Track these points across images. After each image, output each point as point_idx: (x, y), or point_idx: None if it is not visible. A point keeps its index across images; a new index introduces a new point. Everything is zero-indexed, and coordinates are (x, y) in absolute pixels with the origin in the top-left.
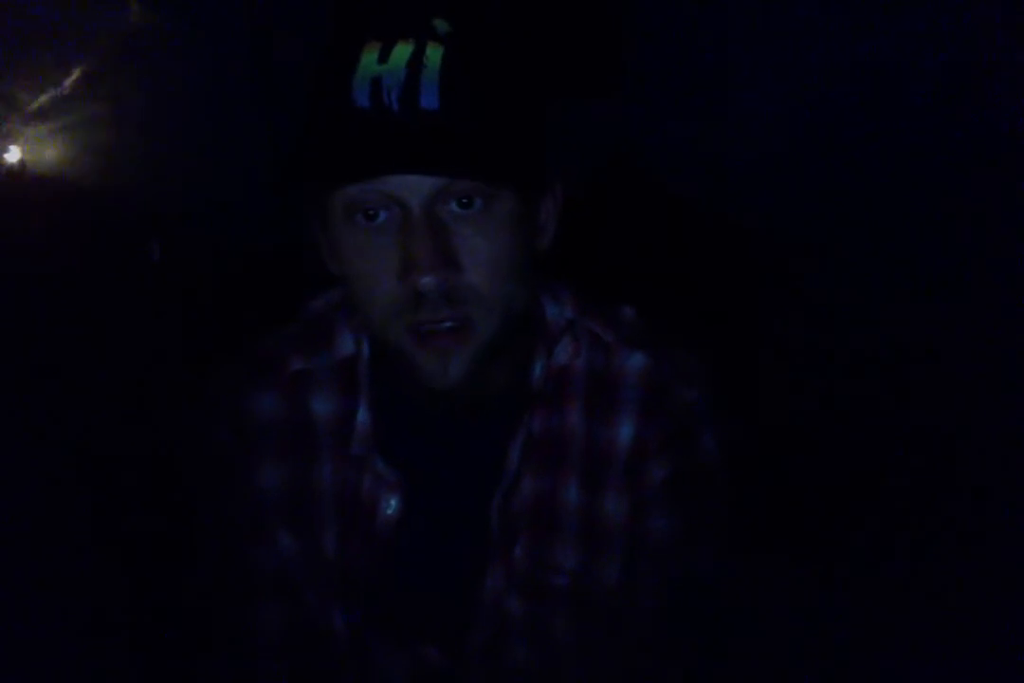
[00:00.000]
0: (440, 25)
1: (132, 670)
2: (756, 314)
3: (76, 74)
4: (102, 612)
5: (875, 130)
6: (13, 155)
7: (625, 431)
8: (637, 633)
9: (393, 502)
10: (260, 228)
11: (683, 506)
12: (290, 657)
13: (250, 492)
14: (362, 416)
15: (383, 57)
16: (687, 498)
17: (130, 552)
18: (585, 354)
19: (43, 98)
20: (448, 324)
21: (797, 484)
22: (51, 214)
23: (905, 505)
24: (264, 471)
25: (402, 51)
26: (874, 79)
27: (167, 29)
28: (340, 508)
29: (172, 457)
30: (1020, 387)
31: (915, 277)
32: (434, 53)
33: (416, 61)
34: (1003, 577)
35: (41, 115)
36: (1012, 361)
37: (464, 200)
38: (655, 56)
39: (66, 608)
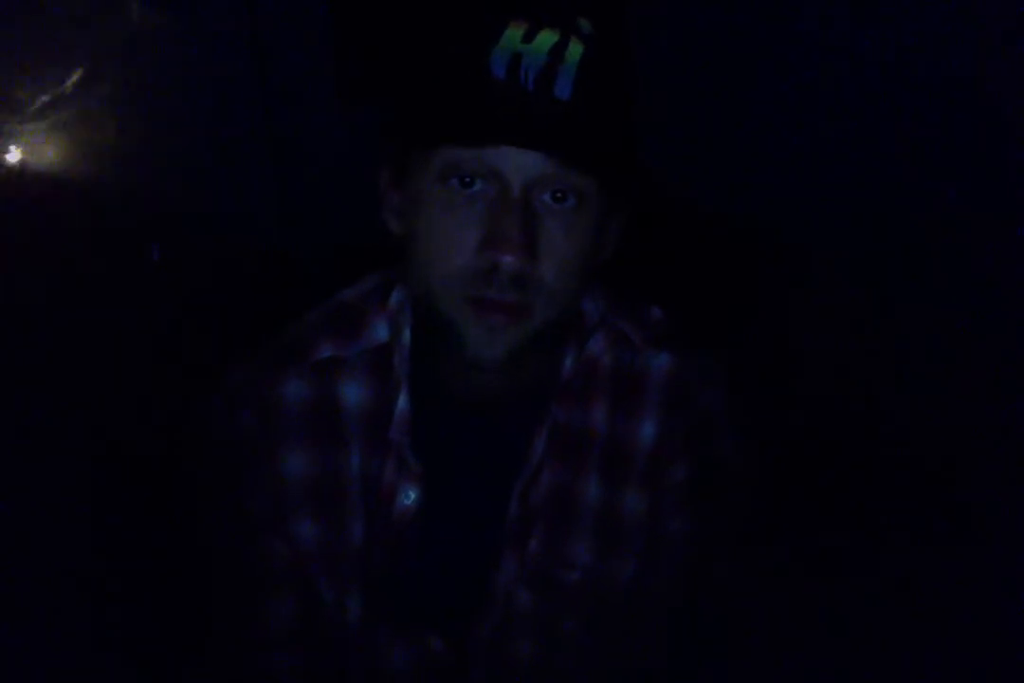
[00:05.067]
0: (585, 25)
1: (141, 661)
2: (765, 316)
3: (76, 74)
4: (111, 603)
5: (888, 132)
6: (13, 155)
7: (647, 430)
8: (646, 631)
9: (412, 493)
10: (261, 228)
11: (701, 507)
12: (300, 648)
13: (273, 480)
14: (403, 402)
15: (528, 37)
16: (706, 499)
17: (139, 544)
18: (613, 351)
19: (43, 98)
20: (508, 303)
21: (799, 483)
22: (51, 214)
23: (906, 505)
24: (289, 459)
25: (547, 38)
26: (881, 82)
27: (167, 29)
28: (365, 496)
29: (180, 450)
30: (1022, 389)
31: (921, 281)
32: (575, 49)
33: (558, 51)
34: (1004, 578)
35: (41, 115)
36: (1014, 364)
37: (559, 195)
38: (656, 57)
39: (75, 600)
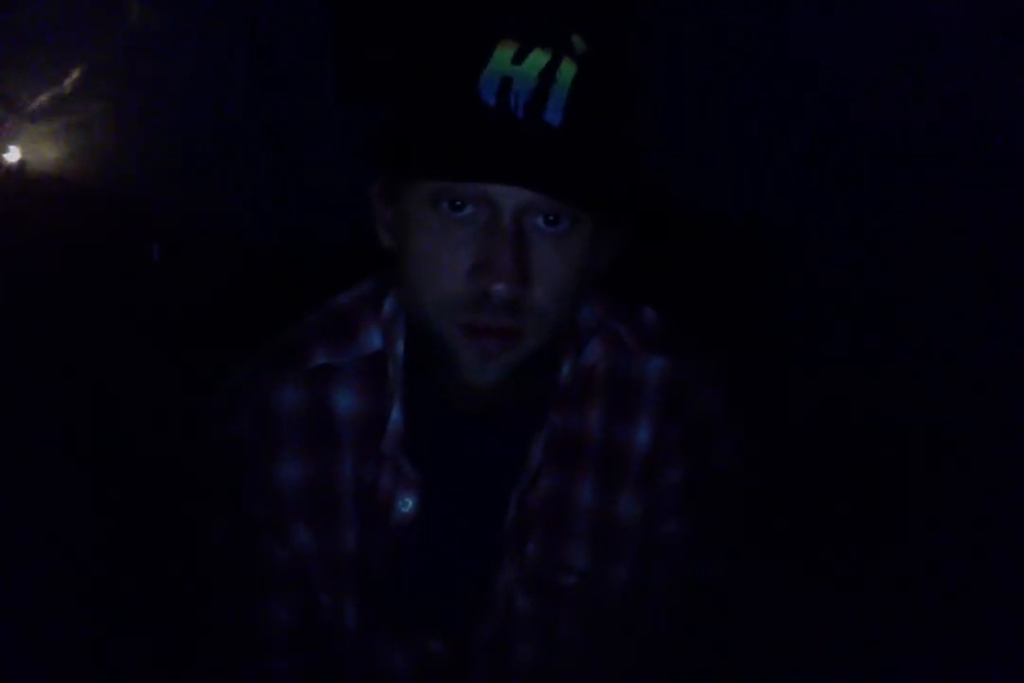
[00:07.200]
0: (578, 43)
1: (141, 662)
2: (764, 316)
3: (76, 74)
4: (109, 607)
5: (888, 132)
6: (13, 155)
7: (643, 434)
8: (644, 633)
9: (410, 501)
10: (261, 228)
11: (698, 510)
12: (299, 651)
13: (268, 487)
14: (396, 415)
15: (518, 58)
16: (702, 502)
17: (138, 547)
18: (609, 356)
19: (43, 98)
20: (500, 327)
21: (797, 484)
22: (51, 214)
23: (906, 506)
24: (283, 465)
25: (538, 58)
26: (881, 82)
27: (167, 29)
28: (360, 504)
29: (180, 452)
30: (1022, 388)
31: (921, 280)
32: (567, 69)
33: (549, 72)
34: (1004, 579)
35: (41, 115)
36: (1014, 364)
37: (551, 217)
38: (654, 57)
39: (76, 601)
